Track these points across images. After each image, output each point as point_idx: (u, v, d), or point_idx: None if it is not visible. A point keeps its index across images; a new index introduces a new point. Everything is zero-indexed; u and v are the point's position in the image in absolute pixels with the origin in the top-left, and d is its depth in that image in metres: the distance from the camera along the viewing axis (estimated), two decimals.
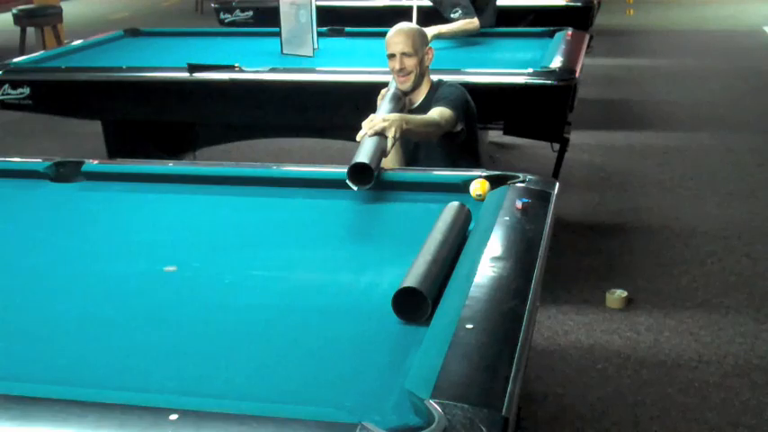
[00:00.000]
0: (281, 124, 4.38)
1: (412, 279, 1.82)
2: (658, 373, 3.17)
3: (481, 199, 2.47)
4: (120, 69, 4.36)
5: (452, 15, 4.87)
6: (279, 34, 4.72)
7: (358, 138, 2.76)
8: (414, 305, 1.79)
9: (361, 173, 2.54)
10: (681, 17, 11.46)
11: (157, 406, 1.39)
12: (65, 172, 2.81)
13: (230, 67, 4.13)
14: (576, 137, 4.55)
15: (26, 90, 4.29)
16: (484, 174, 2.58)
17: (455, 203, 2.29)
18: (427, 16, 5.02)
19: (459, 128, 3.25)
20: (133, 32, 5.57)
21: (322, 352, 1.73)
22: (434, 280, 1.86)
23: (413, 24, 3.41)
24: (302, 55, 4.57)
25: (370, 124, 2.77)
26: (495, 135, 5.24)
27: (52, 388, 1.46)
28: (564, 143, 4.02)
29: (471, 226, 2.25)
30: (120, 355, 1.72)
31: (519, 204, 2.26)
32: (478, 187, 2.50)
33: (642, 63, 8.66)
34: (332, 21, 5.38)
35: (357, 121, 2.82)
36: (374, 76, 3.76)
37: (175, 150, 4.60)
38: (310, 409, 1.40)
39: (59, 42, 7.93)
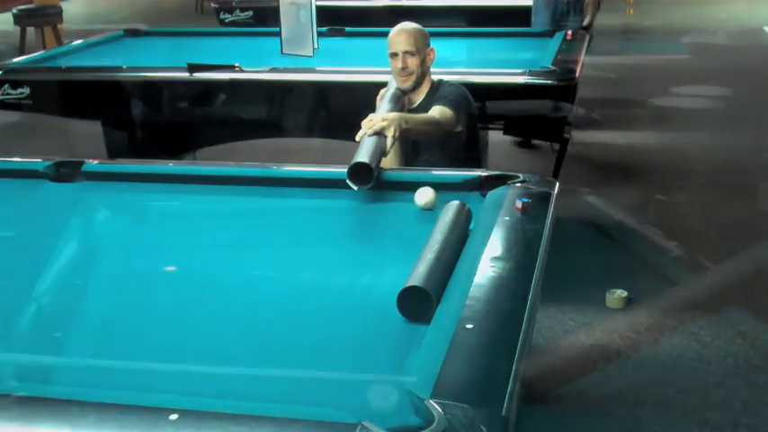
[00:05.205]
0: (282, 124, 4.37)
1: (418, 278, 1.82)
2: (658, 373, 3.17)
3: (429, 208, 2.41)
4: (120, 69, 4.36)
5: None
6: (279, 34, 4.71)
7: (357, 137, 2.76)
8: (418, 304, 1.78)
9: (361, 173, 2.54)
10: (681, 17, 11.45)
11: (157, 406, 1.38)
12: (65, 172, 2.81)
13: (230, 67, 4.12)
14: (576, 137, 4.54)
15: (26, 90, 4.29)
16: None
17: (455, 203, 2.29)
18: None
19: (459, 128, 3.24)
20: (133, 32, 5.57)
21: (322, 352, 1.72)
22: (439, 279, 1.86)
23: (415, 24, 3.41)
24: (302, 55, 4.56)
25: (370, 124, 2.77)
26: (495, 135, 5.22)
27: (52, 388, 1.46)
28: (564, 143, 4.02)
29: (472, 225, 2.25)
30: (119, 355, 1.72)
31: (519, 204, 2.26)
32: (426, 197, 2.45)
33: (642, 63, 8.65)
34: (332, 21, 5.38)
35: (357, 121, 2.81)
36: (374, 76, 3.76)
37: (175, 150, 4.59)
38: (310, 409, 1.40)
39: (59, 42, 7.93)
